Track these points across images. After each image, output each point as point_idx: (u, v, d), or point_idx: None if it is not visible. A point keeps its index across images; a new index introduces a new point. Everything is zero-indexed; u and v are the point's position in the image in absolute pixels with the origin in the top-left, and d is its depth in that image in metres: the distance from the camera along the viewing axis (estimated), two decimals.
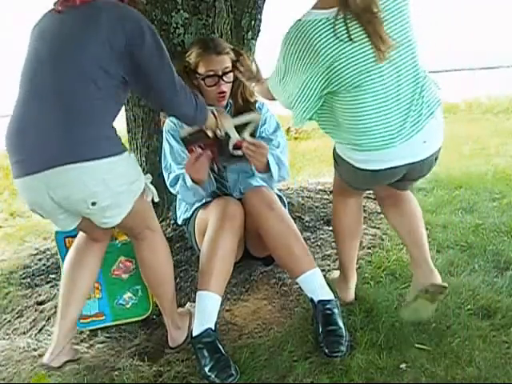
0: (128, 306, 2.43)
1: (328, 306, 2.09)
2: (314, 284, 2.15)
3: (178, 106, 1.99)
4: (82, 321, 2.37)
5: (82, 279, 2.17)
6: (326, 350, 2.01)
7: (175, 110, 2.03)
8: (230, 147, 2.27)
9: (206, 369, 1.96)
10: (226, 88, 2.39)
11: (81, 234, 2.20)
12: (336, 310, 2.10)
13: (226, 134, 2.24)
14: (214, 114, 2.19)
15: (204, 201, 2.43)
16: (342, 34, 1.82)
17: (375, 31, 1.81)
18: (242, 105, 2.47)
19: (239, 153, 2.27)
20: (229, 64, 2.40)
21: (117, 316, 2.42)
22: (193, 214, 2.46)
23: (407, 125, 1.88)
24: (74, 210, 1.91)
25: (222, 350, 2.01)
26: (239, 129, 2.27)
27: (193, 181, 2.31)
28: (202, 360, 1.99)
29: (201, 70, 2.37)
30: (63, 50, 1.85)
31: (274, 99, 2.16)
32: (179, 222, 2.60)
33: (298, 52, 1.87)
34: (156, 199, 2.06)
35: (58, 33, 1.88)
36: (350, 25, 1.81)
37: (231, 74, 2.39)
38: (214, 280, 2.10)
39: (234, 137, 2.25)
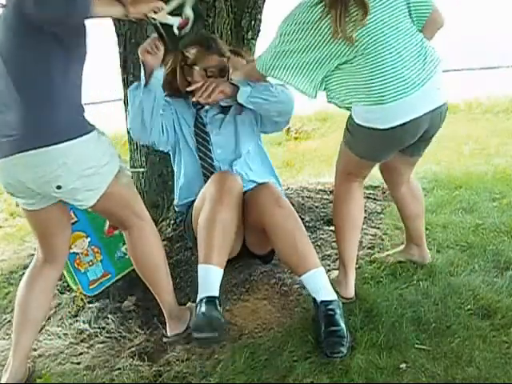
0: (127, 257, 2.50)
1: (330, 307, 2.09)
2: (318, 283, 2.14)
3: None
4: (91, 287, 2.50)
5: (31, 313, 2.14)
6: (327, 351, 2.01)
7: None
8: (175, 30, 2.10)
9: (193, 322, 1.98)
10: None
11: (34, 262, 2.18)
12: (338, 311, 2.09)
13: (162, 24, 2.07)
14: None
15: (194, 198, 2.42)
16: (323, 13, 2.02)
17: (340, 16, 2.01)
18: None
19: (186, 31, 2.14)
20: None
21: (120, 269, 2.56)
22: (189, 208, 2.45)
23: (418, 74, 2.06)
24: (45, 193, 1.94)
25: (219, 315, 1.99)
26: (178, 10, 2.11)
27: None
28: (196, 317, 1.98)
29: (199, 67, 2.40)
30: (4, 40, 1.88)
31: (261, 78, 2.27)
32: (176, 208, 2.61)
33: (298, 31, 2.06)
34: (142, 169, 2.04)
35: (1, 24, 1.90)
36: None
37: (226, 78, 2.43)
38: (216, 253, 2.07)
39: (174, 21, 2.09)
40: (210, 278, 2.06)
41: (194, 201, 2.42)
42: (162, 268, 2.22)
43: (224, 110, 2.50)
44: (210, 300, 2.01)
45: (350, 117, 2.19)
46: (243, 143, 2.51)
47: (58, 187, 1.89)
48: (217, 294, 2.04)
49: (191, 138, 2.49)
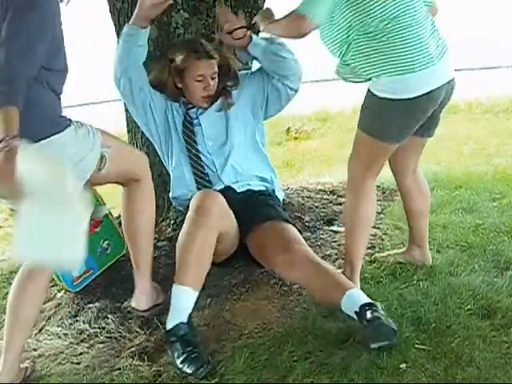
0: (108, 252, 2.64)
1: (375, 314, 1.99)
2: (355, 298, 2.08)
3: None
4: (75, 283, 2.55)
5: (23, 313, 2.14)
6: (371, 340, 1.97)
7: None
8: None
9: (178, 361, 2.01)
10: (213, 92, 2.47)
11: (26, 263, 2.17)
12: (381, 312, 2.02)
13: None
14: None
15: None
16: None
17: None
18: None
19: None
20: (216, 69, 2.47)
21: (102, 264, 2.64)
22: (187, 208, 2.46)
23: (437, 46, 2.18)
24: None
25: (195, 342, 2.05)
26: None
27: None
28: (174, 353, 2.03)
29: (190, 72, 2.43)
30: None
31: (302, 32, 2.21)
32: (173, 202, 2.64)
33: None
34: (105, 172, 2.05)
35: None
36: None
37: (217, 79, 2.47)
38: (190, 274, 2.10)
39: None
40: (181, 301, 2.11)
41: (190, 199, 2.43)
42: (147, 233, 2.26)
43: (213, 104, 2.54)
44: (180, 328, 2.06)
45: (370, 95, 2.21)
46: (234, 135, 2.52)
47: None
48: (185, 319, 2.08)
49: (181, 133, 2.52)
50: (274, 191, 2.60)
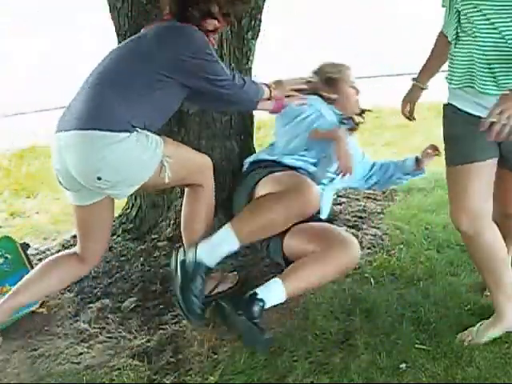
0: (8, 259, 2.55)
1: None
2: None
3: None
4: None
5: (49, 280, 2.23)
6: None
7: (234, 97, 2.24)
8: None
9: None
10: None
11: (72, 250, 2.29)
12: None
13: None
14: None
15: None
16: None
17: None
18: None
19: None
20: None
21: (15, 269, 2.53)
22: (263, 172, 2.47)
23: None
24: (85, 182, 2.00)
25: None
26: None
27: None
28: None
29: (346, 79, 2.67)
30: (130, 47, 2.11)
31: None
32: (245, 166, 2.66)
33: None
34: (167, 180, 2.10)
35: (130, 40, 2.16)
36: None
37: None
38: (248, 230, 2.11)
39: None
40: (223, 246, 2.11)
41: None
42: (200, 228, 2.32)
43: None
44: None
45: None
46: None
47: (99, 178, 1.96)
48: (213, 264, 2.12)
49: None
50: None
